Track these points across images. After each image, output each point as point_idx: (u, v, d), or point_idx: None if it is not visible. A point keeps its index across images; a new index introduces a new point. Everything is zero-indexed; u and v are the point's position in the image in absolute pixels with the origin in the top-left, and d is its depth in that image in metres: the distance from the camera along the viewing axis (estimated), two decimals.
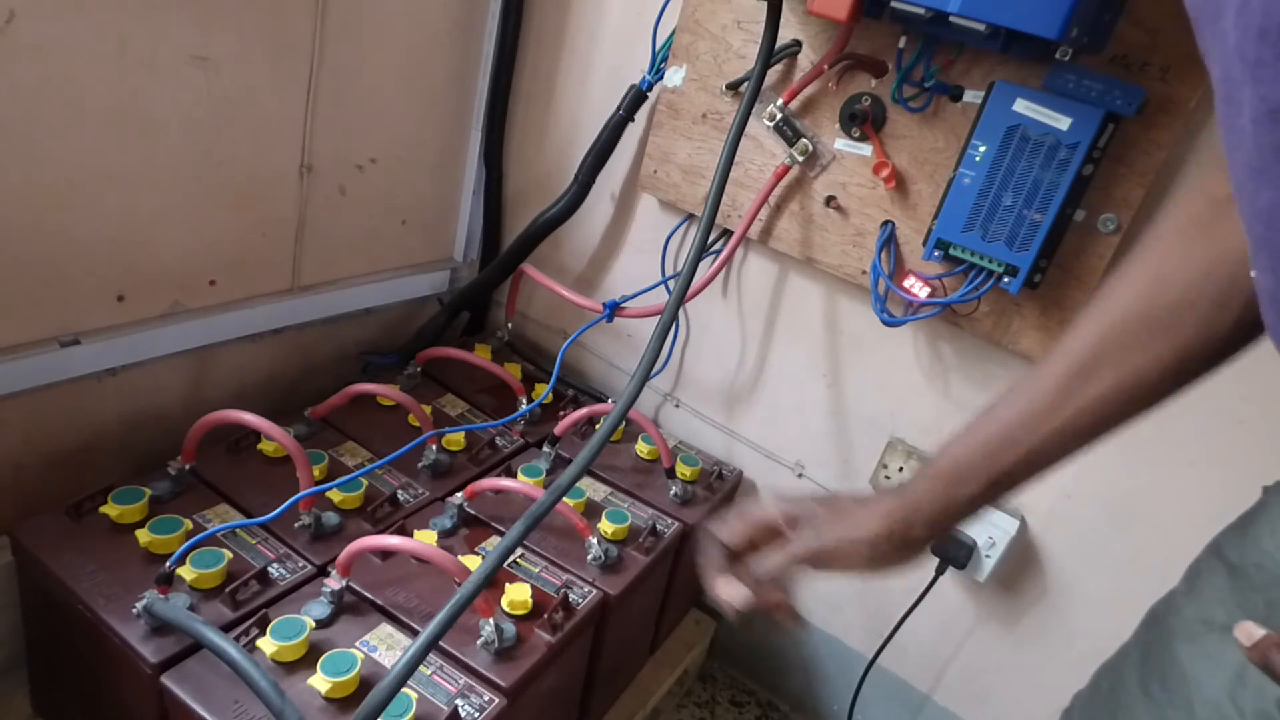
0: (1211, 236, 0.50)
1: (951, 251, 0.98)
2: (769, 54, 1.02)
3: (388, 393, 1.12)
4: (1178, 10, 0.41)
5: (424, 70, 1.28)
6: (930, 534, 0.55)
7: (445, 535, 1.02)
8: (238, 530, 0.93)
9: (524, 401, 1.27)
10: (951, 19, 0.85)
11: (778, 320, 1.27)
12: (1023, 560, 1.13)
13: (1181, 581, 0.56)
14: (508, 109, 1.39)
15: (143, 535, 0.88)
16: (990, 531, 1.10)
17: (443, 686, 0.83)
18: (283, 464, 1.02)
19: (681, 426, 1.41)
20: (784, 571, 0.56)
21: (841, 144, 1.08)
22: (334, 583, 0.88)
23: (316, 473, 1.01)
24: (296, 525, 0.96)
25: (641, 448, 1.28)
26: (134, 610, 0.80)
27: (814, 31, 1.06)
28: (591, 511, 1.12)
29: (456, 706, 0.80)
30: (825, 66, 1.05)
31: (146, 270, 1.02)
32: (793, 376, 1.28)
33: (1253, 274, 0.40)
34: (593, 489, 1.17)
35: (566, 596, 0.94)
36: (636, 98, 1.22)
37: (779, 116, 1.09)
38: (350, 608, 0.89)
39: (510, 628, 0.89)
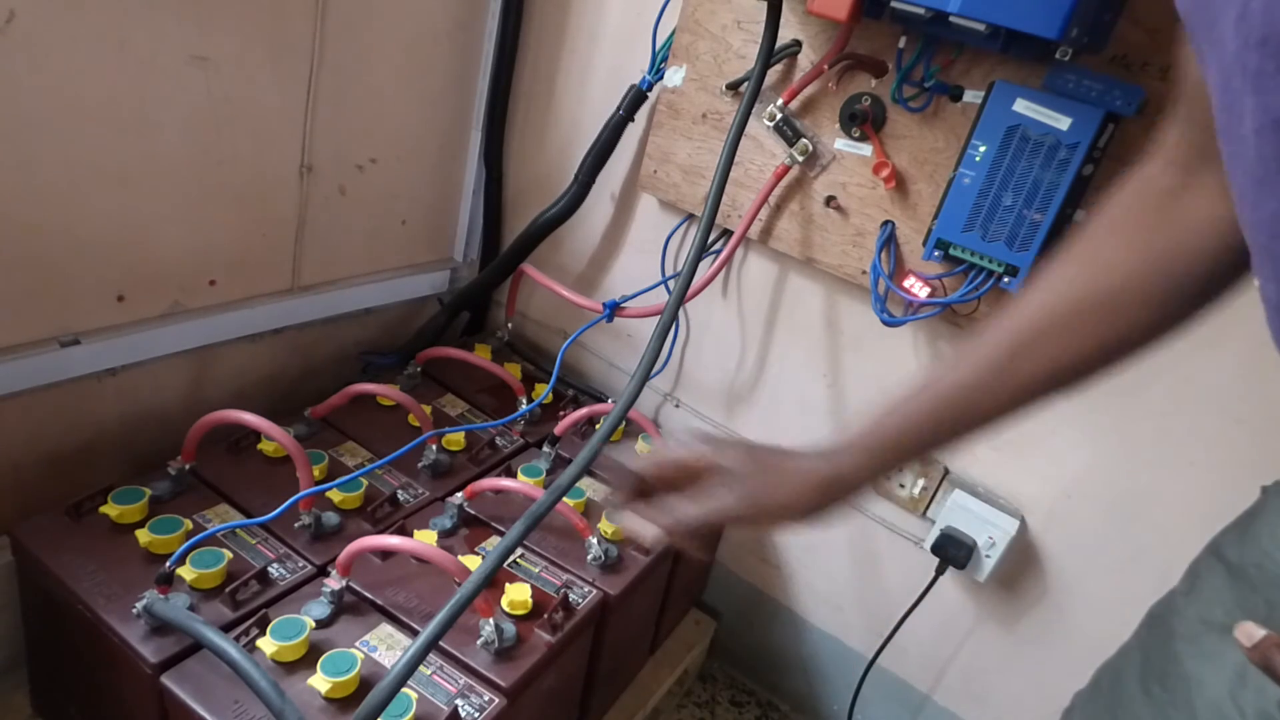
0: (1153, 226, 0.50)
1: (952, 251, 0.98)
2: (769, 54, 1.03)
3: (388, 393, 1.12)
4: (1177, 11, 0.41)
5: (424, 70, 1.28)
6: (852, 500, 0.56)
7: (445, 535, 1.02)
8: (238, 530, 0.93)
9: (524, 401, 1.27)
10: (951, 19, 0.85)
11: (778, 320, 1.27)
12: (1023, 560, 1.13)
13: (1181, 581, 0.56)
14: (508, 109, 1.39)
15: (143, 535, 0.88)
16: (990, 531, 1.10)
17: (443, 686, 0.83)
18: (283, 464, 1.02)
19: (681, 426, 1.41)
20: (702, 524, 0.56)
21: (841, 144, 1.08)
22: (334, 583, 0.88)
23: (316, 473, 1.01)
24: (296, 525, 0.96)
25: (642, 448, 1.28)
26: (134, 610, 0.80)
27: (814, 31, 1.06)
28: (591, 511, 1.12)
29: (456, 706, 0.80)
30: (825, 66, 1.05)
31: (146, 270, 1.02)
32: (793, 376, 1.28)
33: (1256, 282, 0.40)
34: (593, 489, 1.17)
35: (566, 596, 0.94)
36: (636, 98, 1.22)
37: (779, 116, 1.09)
38: (350, 608, 0.89)
39: (510, 628, 0.89)
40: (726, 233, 1.22)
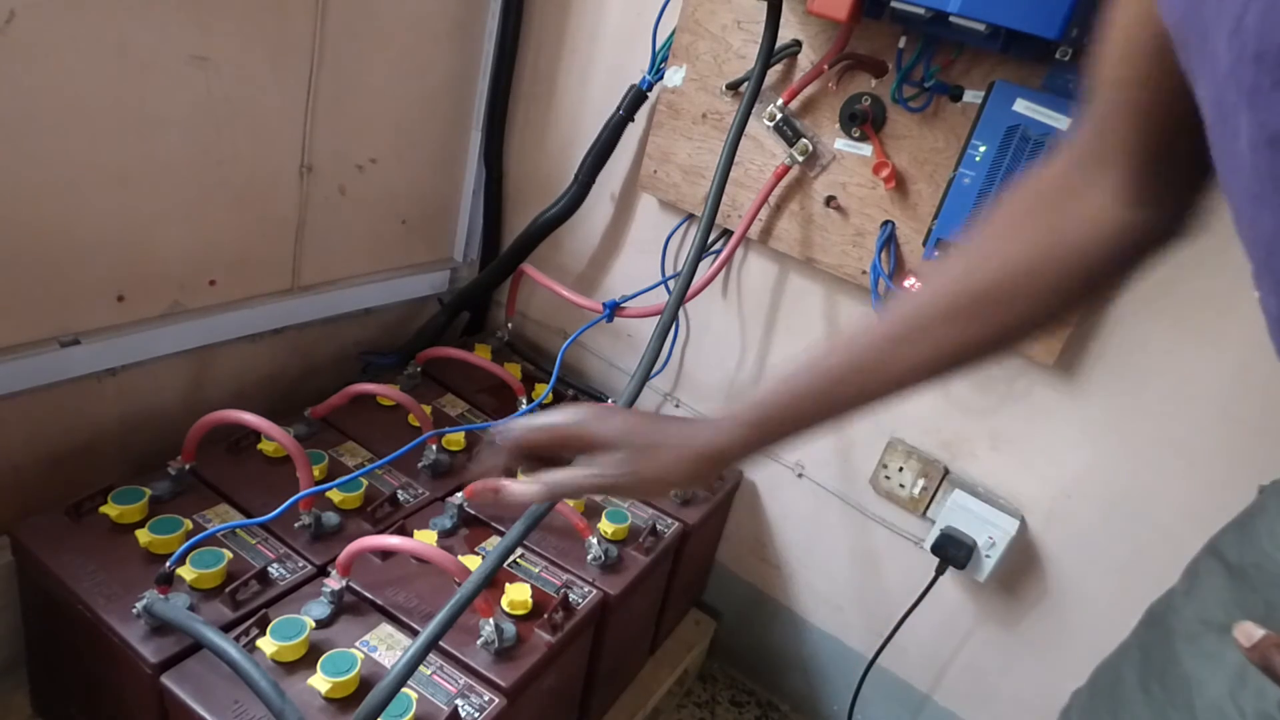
0: (1048, 224, 0.51)
1: None
2: (769, 54, 1.03)
3: (388, 393, 1.12)
4: None
5: (424, 70, 1.28)
6: (729, 468, 0.57)
7: (445, 535, 1.02)
8: (238, 530, 0.93)
9: (524, 401, 1.27)
10: (951, 19, 0.85)
11: (778, 320, 1.27)
12: (1023, 560, 1.13)
13: (1180, 581, 0.56)
14: (508, 109, 1.40)
15: (143, 535, 0.88)
16: (990, 531, 1.10)
17: (443, 686, 0.83)
18: (283, 464, 1.02)
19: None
20: (577, 491, 0.57)
21: (841, 144, 1.08)
22: (334, 583, 0.88)
23: (316, 473, 1.01)
24: (296, 525, 0.96)
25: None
26: (134, 610, 0.80)
27: (814, 31, 1.06)
28: (591, 511, 1.12)
29: (456, 706, 0.80)
30: (825, 66, 1.05)
31: (146, 270, 1.02)
32: None
33: (1256, 294, 0.40)
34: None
35: (566, 596, 0.94)
36: (636, 98, 1.22)
37: (779, 116, 1.09)
38: (350, 608, 0.89)
39: (510, 628, 0.89)
40: (726, 233, 1.22)
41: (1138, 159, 0.48)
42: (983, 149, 0.94)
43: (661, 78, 1.20)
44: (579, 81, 1.35)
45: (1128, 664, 0.56)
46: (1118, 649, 0.60)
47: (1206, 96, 0.37)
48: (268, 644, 0.80)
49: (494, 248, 1.50)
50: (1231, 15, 0.32)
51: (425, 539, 0.96)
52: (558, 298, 1.33)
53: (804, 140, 1.09)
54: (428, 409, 1.17)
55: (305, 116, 1.12)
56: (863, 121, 1.05)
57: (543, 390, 1.29)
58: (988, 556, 1.10)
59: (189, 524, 0.92)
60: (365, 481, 1.04)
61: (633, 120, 1.24)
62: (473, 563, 0.93)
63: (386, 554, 0.95)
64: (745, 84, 1.10)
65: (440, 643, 0.77)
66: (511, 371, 1.31)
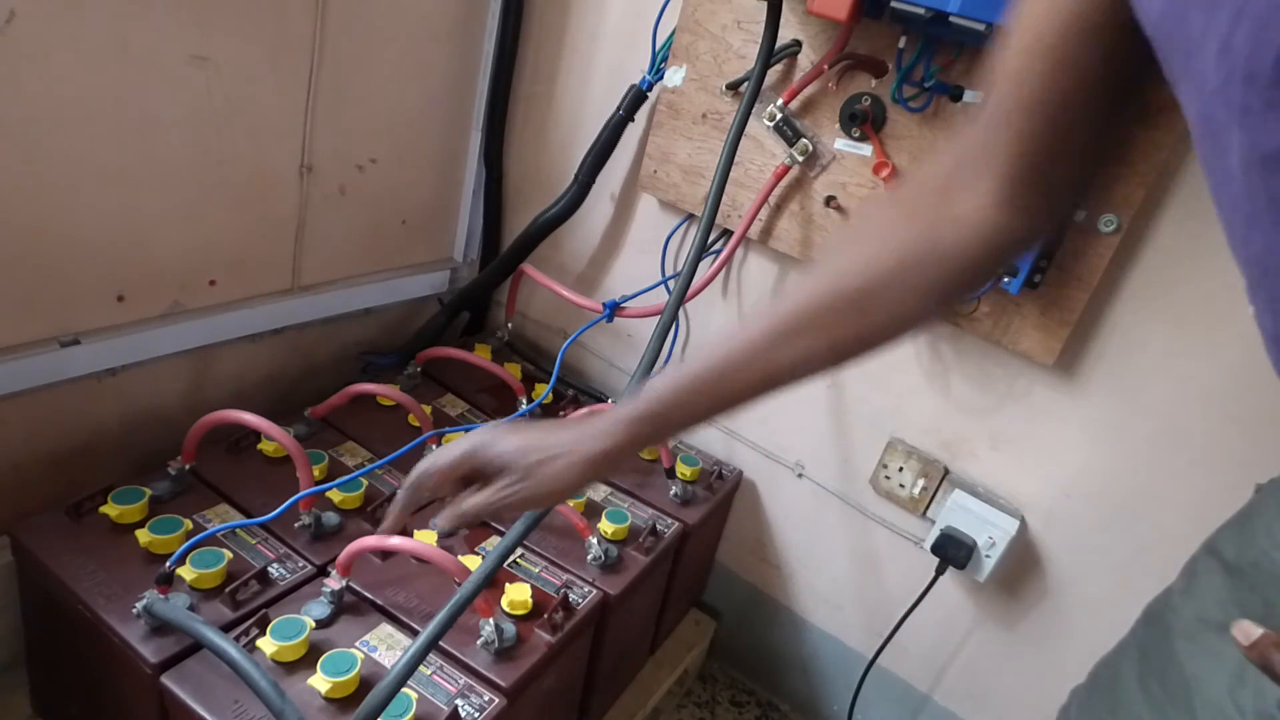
0: (921, 227, 0.52)
1: None
2: (769, 54, 1.03)
3: (388, 393, 1.12)
4: None
5: (424, 70, 1.28)
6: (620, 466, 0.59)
7: (445, 535, 1.02)
8: (238, 530, 0.93)
9: (524, 401, 1.27)
10: (951, 19, 0.85)
11: None
12: (1023, 560, 1.13)
13: (1178, 579, 0.56)
14: (508, 109, 1.40)
15: (143, 535, 0.88)
16: (990, 531, 1.10)
17: (443, 686, 0.83)
18: (283, 464, 1.02)
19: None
20: (477, 517, 0.61)
21: (841, 144, 1.08)
22: (334, 583, 0.88)
23: (316, 473, 1.01)
24: (296, 525, 0.96)
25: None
26: (134, 610, 0.80)
27: (814, 31, 1.06)
28: (591, 511, 1.12)
29: (456, 706, 0.80)
30: (825, 66, 1.05)
31: (146, 270, 1.02)
32: None
33: (1251, 309, 0.40)
34: (593, 489, 1.17)
35: (566, 596, 0.94)
36: (636, 98, 1.22)
37: (779, 116, 1.09)
38: (350, 608, 0.89)
39: (510, 628, 0.89)
40: (726, 233, 1.22)
41: (1021, 163, 0.48)
42: None
43: (661, 78, 1.20)
44: (579, 81, 1.35)
45: (1126, 662, 0.56)
46: (1116, 647, 0.60)
47: (1191, 108, 0.37)
48: (268, 644, 0.80)
49: (494, 248, 1.51)
50: (1219, 34, 0.32)
51: (425, 539, 0.96)
52: (558, 298, 1.33)
53: (804, 140, 1.09)
54: (428, 409, 1.17)
55: (305, 116, 1.12)
56: (863, 121, 1.05)
57: (543, 390, 1.29)
58: (988, 556, 1.10)
59: (189, 524, 0.92)
60: (365, 481, 1.04)
61: (633, 120, 1.25)
62: (473, 563, 0.93)
63: (386, 554, 0.95)
64: (745, 84, 1.10)
65: (440, 643, 0.77)
66: (511, 371, 1.31)
